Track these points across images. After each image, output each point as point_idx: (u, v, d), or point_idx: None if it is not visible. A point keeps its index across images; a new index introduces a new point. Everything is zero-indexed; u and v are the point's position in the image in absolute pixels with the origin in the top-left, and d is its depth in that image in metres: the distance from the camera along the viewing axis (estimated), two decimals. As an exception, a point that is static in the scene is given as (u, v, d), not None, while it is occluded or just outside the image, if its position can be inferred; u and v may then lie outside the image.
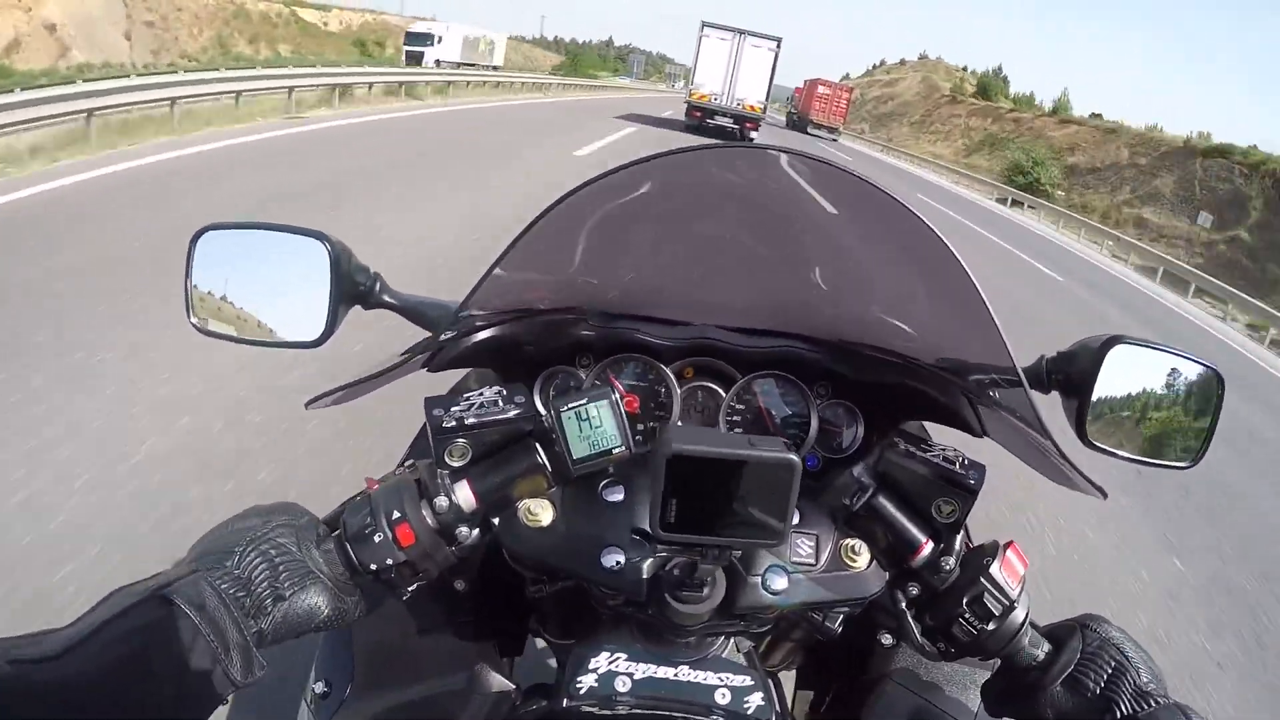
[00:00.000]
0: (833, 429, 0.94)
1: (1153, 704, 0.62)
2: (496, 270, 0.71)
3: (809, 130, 40.92)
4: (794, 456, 0.57)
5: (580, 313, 0.89)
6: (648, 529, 0.65)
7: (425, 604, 0.82)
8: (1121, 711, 0.62)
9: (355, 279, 0.73)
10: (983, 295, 0.67)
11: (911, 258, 0.78)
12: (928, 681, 0.85)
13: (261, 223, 0.73)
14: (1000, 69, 62.53)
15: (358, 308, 0.76)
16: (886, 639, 0.80)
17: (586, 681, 0.68)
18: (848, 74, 60.69)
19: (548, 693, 0.72)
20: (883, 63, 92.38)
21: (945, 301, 0.79)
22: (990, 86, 57.56)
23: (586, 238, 0.80)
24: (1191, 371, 0.76)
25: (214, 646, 0.51)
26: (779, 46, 23.21)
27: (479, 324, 0.80)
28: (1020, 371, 0.69)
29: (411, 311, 0.79)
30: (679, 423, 0.92)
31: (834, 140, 40.66)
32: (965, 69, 69.71)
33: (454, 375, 0.93)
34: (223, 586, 0.54)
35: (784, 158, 0.72)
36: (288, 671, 1.00)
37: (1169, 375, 0.76)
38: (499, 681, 0.81)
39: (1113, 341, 0.71)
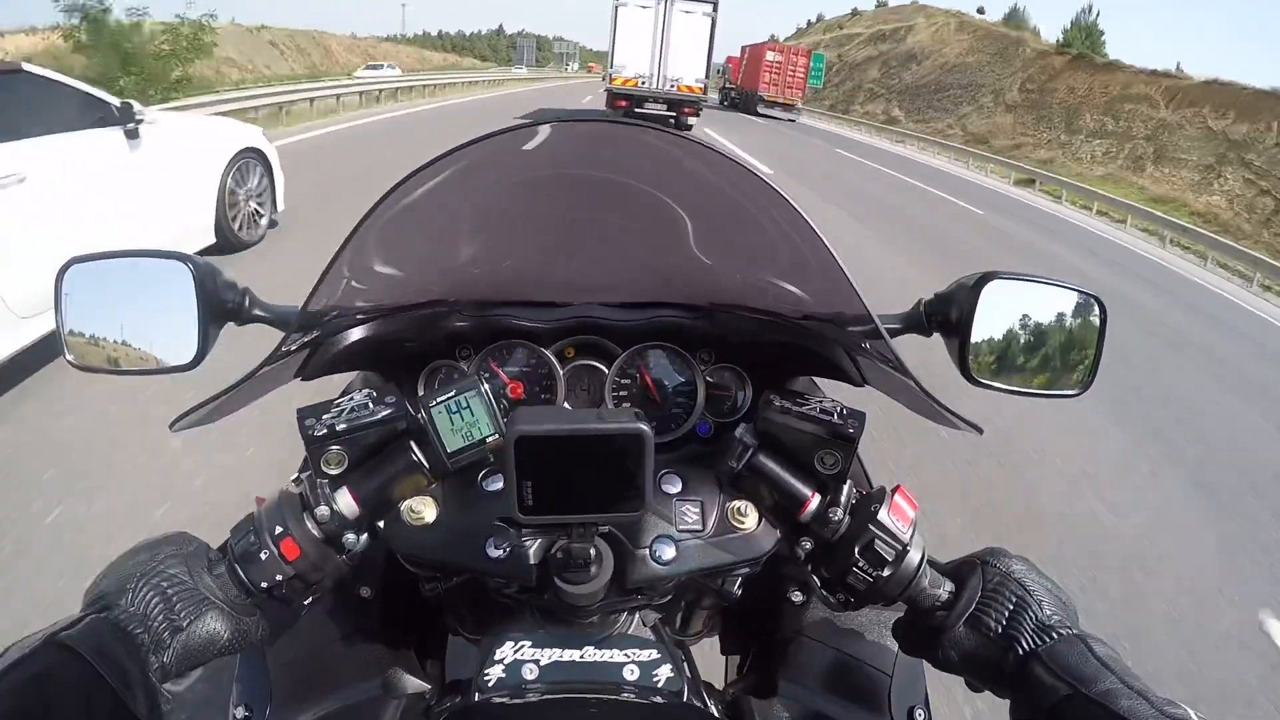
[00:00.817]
0: (723, 393, 0.98)
1: (1054, 637, 0.65)
2: (353, 264, 0.72)
3: (759, 110, 33.75)
4: (643, 425, 0.60)
5: (453, 304, 0.91)
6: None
7: (335, 615, 0.86)
8: (1022, 648, 0.65)
9: (222, 296, 0.75)
10: (830, 249, 0.70)
11: (768, 219, 0.82)
12: (843, 630, 0.90)
13: (123, 250, 0.75)
14: (1092, 9, 40.04)
15: (231, 325, 0.77)
16: (796, 596, 0.85)
17: (494, 673, 0.72)
18: (773, 36, 51.28)
19: (462, 689, 0.76)
20: (819, 18, 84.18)
21: (806, 259, 0.82)
22: (1093, 38, 37.54)
23: (444, 224, 0.82)
24: (1071, 300, 0.80)
25: (115, 688, 0.52)
26: (716, 9, 19.28)
27: (345, 324, 0.82)
28: (875, 317, 0.73)
29: (285, 323, 0.79)
30: (566, 405, 0.95)
31: (792, 121, 33.27)
32: (980, 11, 52.46)
33: (339, 384, 0.94)
34: (119, 625, 0.56)
35: (637, 129, 0.75)
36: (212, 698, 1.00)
37: (1049, 305, 0.79)
38: (414, 683, 0.84)
39: (987, 278, 0.75)
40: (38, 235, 3.43)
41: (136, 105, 4.42)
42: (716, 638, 1.07)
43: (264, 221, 5.80)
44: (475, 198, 0.80)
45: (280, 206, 6.06)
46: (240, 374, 0.66)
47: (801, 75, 33.87)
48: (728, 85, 41.10)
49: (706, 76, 20.00)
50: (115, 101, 4.24)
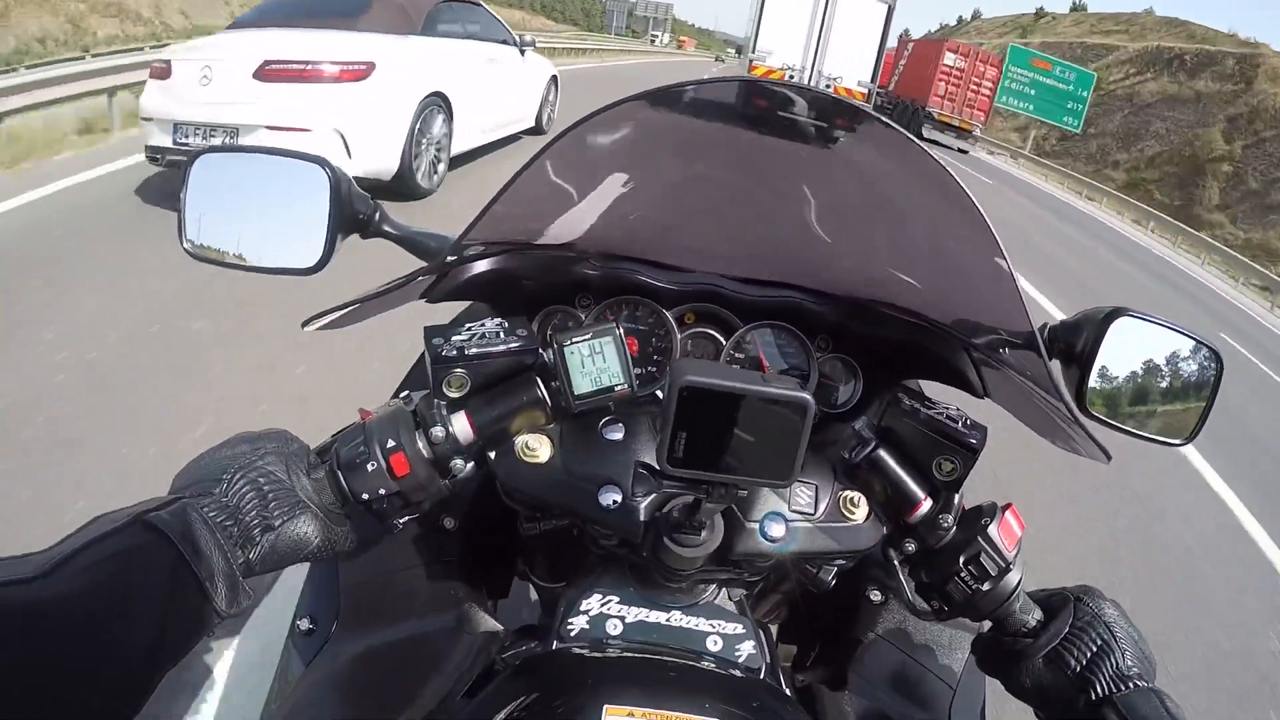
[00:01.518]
0: (830, 383, 0.99)
1: (1130, 686, 0.66)
2: (501, 202, 0.75)
3: (924, 132, 24.44)
4: (807, 395, 0.59)
5: (583, 251, 0.93)
6: (652, 464, 0.71)
7: (413, 542, 0.89)
8: (1097, 692, 0.66)
9: (355, 206, 0.78)
10: (1006, 256, 0.70)
11: (930, 212, 0.82)
12: (914, 638, 0.91)
13: (261, 147, 0.79)
14: None
15: (355, 237, 0.80)
16: (875, 595, 0.86)
17: (578, 623, 0.73)
18: (906, 31, 39.23)
19: (537, 634, 0.78)
20: (976, 15, 71.83)
21: (960, 260, 0.82)
22: None
23: (593, 174, 0.85)
24: (1193, 349, 0.80)
25: (198, 575, 0.54)
26: None
27: (480, 254, 0.85)
28: (1038, 333, 0.73)
29: (410, 242, 0.84)
30: None
31: (964, 153, 25.39)
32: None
33: (451, 309, 0.99)
34: (210, 514, 0.58)
35: (800, 95, 0.76)
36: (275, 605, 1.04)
37: (1170, 351, 0.80)
38: (488, 622, 0.86)
39: (1116, 313, 0.75)
40: (494, 92, 7.24)
41: (529, 36, 8.16)
42: (774, 624, 1.08)
43: (554, 120, 9.46)
44: (621, 151, 0.82)
45: (555, 115, 9.60)
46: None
47: (988, 92, 26.20)
48: (880, 90, 29.42)
49: (873, 80, 16.47)
50: (515, 34, 7.71)
